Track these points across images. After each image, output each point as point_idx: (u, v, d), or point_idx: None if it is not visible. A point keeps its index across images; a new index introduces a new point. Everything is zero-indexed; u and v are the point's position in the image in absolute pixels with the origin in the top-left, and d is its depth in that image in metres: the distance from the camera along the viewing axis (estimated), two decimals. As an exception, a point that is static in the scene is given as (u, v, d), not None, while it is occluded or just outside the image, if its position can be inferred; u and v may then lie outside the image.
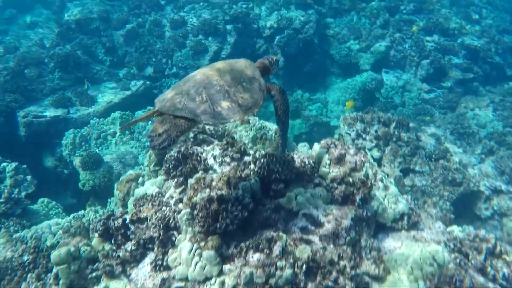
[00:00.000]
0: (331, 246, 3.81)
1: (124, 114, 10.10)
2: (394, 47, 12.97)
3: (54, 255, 4.07)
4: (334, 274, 3.55)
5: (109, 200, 7.50)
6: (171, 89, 3.06)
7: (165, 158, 5.03)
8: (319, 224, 3.95)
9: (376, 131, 7.49)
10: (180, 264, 3.70)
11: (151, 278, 3.89)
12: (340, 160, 4.57)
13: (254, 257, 3.49)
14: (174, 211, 4.13)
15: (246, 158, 4.81)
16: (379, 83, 12.42)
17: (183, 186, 4.56)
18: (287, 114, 3.63)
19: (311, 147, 5.66)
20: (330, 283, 3.48)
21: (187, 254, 3.56)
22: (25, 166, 8.35)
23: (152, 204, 4.32)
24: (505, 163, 7.89)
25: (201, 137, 5.46)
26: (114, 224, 4.24)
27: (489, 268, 4.19)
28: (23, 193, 7.65)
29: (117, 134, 9.74)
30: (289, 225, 3.92)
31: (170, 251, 3.91)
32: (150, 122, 9.66)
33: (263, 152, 5.27)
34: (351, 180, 4.36)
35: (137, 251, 4.09)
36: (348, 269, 3.65)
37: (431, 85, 12.32)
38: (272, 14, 13.57)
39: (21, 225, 6.64)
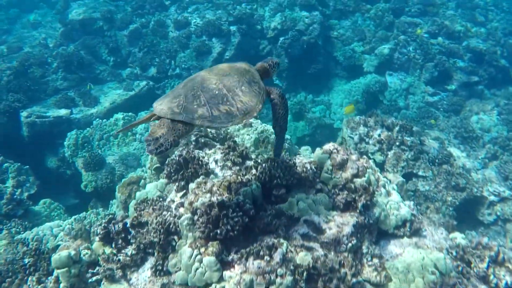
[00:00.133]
0: (332, 253, 3.79)
1: (127, 115, 10.11)
2: (398, 50, 12.90)
3: (55, 258, 4.07)
4: (335, 281, 3.53)
5: (111, 202, 7.50)
6: (169, 93, 3.04)
7: (167, 162, 5.03)
8: (320, 231, 3.92)
9: (379, 135, 7.44)
10: (180, 269, 3.69)
11: (151, 283, 3.88)
12: (342, 165, 4.53)
13: (255, 263, 3.47)
14: (175, 215, 4.12)
15: (248, 163, 4.79)
16: (383, 86, 12.37)
17: (184, 190, 4.55)
18: (285, 118, 3.56)
19: (314, 150, 5.64)
20: (330, 291, 3.46)
21: (187, 260, 3.55)
22: (27, 166, 8.38)
23: (153, 208, 4.31)
24: (509, 168, 7.83)
25: (203, 140, 5.45)
26: (114, 228, 4.23)
27: (491, 277, 4.15)
28: (26, 194, 7.68)
29: (119, 136, 9.76)
30: (290, 231, 3.89)
31: (171, 256, 3.90)
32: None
33: (265, 156, 5.25)
34: (353, 186, 4.33)
35: (137, 255, 4.08)
36: (349, 277, 3.62)
37: (436, 88, 12.25)
38: (276, 15, 13.54)
39: (23, 226, 6.66)
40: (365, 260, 4.06)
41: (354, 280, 3.64)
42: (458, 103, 11.43)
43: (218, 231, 3.60)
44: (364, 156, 4.82)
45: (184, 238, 3.86)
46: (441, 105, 11.65)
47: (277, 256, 3.48)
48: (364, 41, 13.63)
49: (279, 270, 3.39)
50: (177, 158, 4.76)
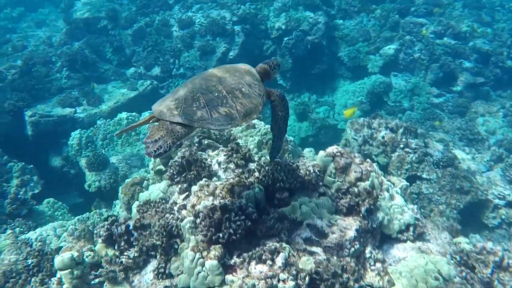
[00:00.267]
0: (335, 257, 3.77)
1: (130, 115, 10.12)
2: (403, 50, 12.81)
3: (58, 260, 4.08)
4: (337, 286, 3.51)
5: (114, 202, 7.52)
6: (169, 95, 3.03)
7: (170, 164, 5.02)
8: (323, 235, 3.91)
9: (383, 137, 7.40)
10: (182, 272, 3.69)
11: (153, 285, 3.89)
12: (345, 169, 4.51)
13: (257, 268, 3.46)
14: (177, 218, 4.12)
15: (251, 165, 4.77)
16: (388, 87, 12.29)
17: (187, 193, 4.54)
18: (286, 120, 3.51)
19: (317, 151, 5.61)
20: (333, 297, 3.44)
21: (190, 263, 3.54)
22: (31, 166, 8.40)
23: (155, 211, 4.31)
24: (515, 171, 7.75)
25: (206, 142, 5.43)
26: (117, 230, 4.24)
27: (495, 282, 4.12)
28: (30, 194, 7.71)
29: (123, 136, 9.77)
30: (292, 235, 3.88)
31: (173, 259, 3.90)
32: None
33: (268, 158, 5.23)
34: (356, 190, 4.31)
35: (140, 258, 4.09)
36: (351, 282, 3.60)
37: (441, 89, 12.16)
38: (280, 15, 13.48)
39: (27, 226, 6.69)
40: (368, 265, 4.04)
41: (356, 285, 3.62)
42: (463, 105, 11.34)
43: (221, 235, 3.59)
44: (368, 160, 4.79)
45: (187, 241, 3.85)
46: (446, 107, 11.55)
47: (279, 261, 3.47)
48: (369, 41, 13.55)
49: (281, 274, 3.38)
50: (180, 160, 4.75)
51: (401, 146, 7.28)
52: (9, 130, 10.20)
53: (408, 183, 5.56)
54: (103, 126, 10.01)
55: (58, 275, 4.18)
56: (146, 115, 10.52)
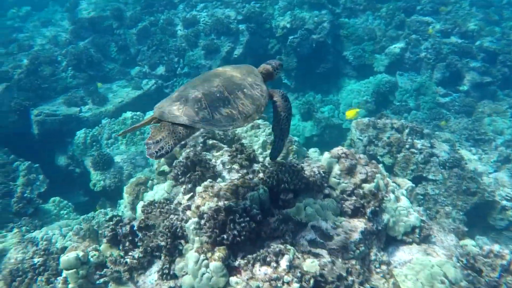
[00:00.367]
0: (340, 260, 3.74)
1: (135, 114, 10.15)
2: (409, 49, 12.70)
3: (63, 259, 4.10)
4: (342, 289, 3.49)
5: (119, 201, 7.54)
6: (170, 96, 3.02)
7: (174, 164, 5.03)
8: (328, 237, 3.88)
9: (388, 138, 7.34)
10: (186, 273, 3.69)
11: (158, 286, 3.90)
12: (351, 170, 4.48)
13: (261, 270, 3.45)
14: (182, 219, 4.11)
15: (255, 166, 4.76)
16: (393, 86, 12.20)
17: (191, 193, 4.54)
18: (288, 121, 3.47)
19: (322, 151, 5.58)
20: (338, 299, 3.42)
21: (194, 264, 3.54)
22: (37, 165, 8.46)
23: (160, 211, 4.31)
24: (522, 172, 7.67)
25: (210, 142, 5.43)
26: (122, 231, 4.25)
27: (503, 286, 4.07)
28: (36, 192, 7.76)
29: (127, 135, 9.80)
30: (297, 237, 3.86)
31: (177, 260, 3.90)
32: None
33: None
34: (361, 192, 4.28)
35: (144, 258, 4.10)
36: (356, 285, 3.57)
37: (447, 88, 12.04)
38: (285, 14, 13.43)
39: (33, 225, 6.73)
40: (373, 267, 4.02)
41: (361, 288, 3.59)
42: (470, 104, 11.21)
43: (225, 236, 3.58)
44: (373, 161, 4.75)
45: (191, 243, 3.85)
46: (452, 106, 11.44)
47: (284, 263, 3.45)
48: (375, 40, 13.45)
49: (286, 277, 3.36)
50: (184, 161, 4.75)
51: (407, 146, 7.22)
52: (15, 129, 10.28)
53: (413, 184, 5.51)
54: (108, 125, 10.05)
55: (63, 275, 4.20)
56: (150, 114, 10.56)
